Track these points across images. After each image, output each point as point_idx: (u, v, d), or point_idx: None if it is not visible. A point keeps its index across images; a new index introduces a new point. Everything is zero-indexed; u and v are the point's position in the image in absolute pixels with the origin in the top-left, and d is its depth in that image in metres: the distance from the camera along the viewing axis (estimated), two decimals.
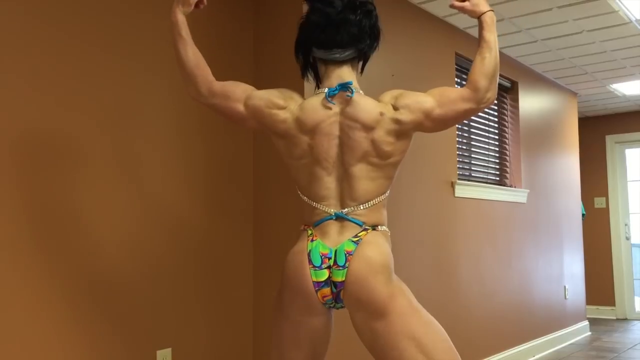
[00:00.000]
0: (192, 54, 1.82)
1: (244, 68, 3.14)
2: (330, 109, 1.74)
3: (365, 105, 1.75)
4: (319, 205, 1.76)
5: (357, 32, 1.77)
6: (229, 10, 3.07)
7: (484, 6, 1.82)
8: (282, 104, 1.79)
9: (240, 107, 1.82)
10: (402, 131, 1.76)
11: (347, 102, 1.75)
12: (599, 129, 7.45)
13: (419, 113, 1.75)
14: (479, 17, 1.82)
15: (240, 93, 1.83)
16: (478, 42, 1.83)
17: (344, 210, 1.74)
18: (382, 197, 1.78)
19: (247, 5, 3.19)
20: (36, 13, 2.30)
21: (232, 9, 3.10)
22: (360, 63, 1.88)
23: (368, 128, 1.73)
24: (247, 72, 3.15)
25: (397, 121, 1.74)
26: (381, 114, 1.73)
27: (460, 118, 1.81)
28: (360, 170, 1.74)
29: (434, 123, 1.78)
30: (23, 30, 2.26)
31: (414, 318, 1.66)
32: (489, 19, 1.81)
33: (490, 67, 1.77)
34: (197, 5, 1.85)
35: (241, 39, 3.14)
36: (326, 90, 1.76)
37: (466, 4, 1.84)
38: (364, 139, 1.73)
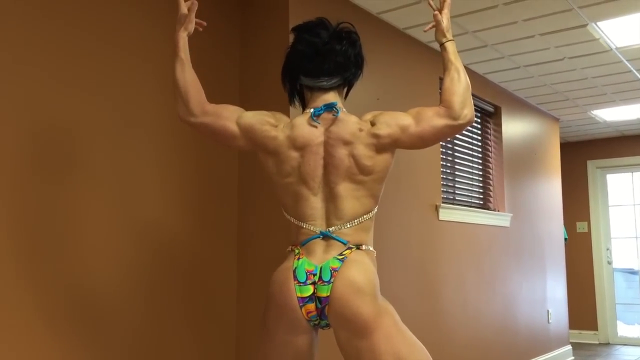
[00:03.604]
0: (189, 74, 1.85)
1: (229, 94, 3.15)
2: (315, 127, 1.80)
3: (347, 123, 1.80)
4: (305, 224, 1.79)
5: (343, 61, 1.85)
6: (214, 37, 3.09)
7: (450, 33, 1.92)
8: (274, 122, 1.84)
9: (232, 125, 1.84)
10: (381, 145, 1.79)
11: (332, 121, 1.81)
12: (581, 154, 7.55)
13: (396, 127, 1.79)
14: (443, 43, 1.91)
15: (231, 112, 1.87)
16: (444, 65, 1.89)
17: (329, 229, 1.77)
18: (368, 216, 1.81)
19: (233, 32, 3.21)
20: (25, 24, 2.30)
21: (218, 36, 3.12)
22: (345, 90, 1.96)
23: (347, 143, 1.78)
24: (232, 98, 3.16)
25: (375, 135, 1.79)
26: (360, 129, 1.79)
27: (440, 135, 1.83)
28: (345, 189, 1.77)
29: (411, 139, 1.81)
30: (20, 40, 2.26)
31: (398, 338, 1.67)
32: (453, 46, 1.91)
33: (461, 85, 1.83)
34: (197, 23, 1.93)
35: (227, 66, 3.16)
36: (312, 110, 1.82)
37: (444, 18, 1.91)
38: (345, 156, 1.77)
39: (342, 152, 1.77)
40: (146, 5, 2.76)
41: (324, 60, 1.83)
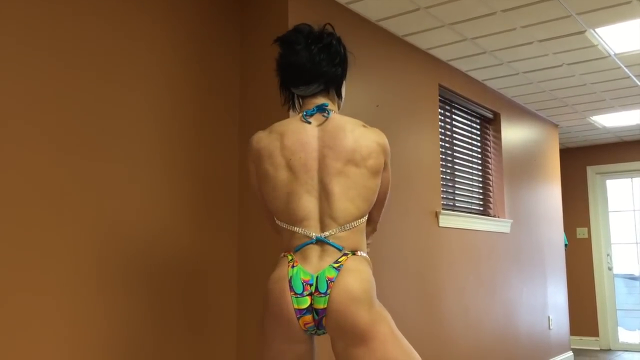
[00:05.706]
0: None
1: (230, 98, 3.15)
2: (308, 124, 1.85)
3: (345, 118, 1.87)
4: (298, 229, 1.77)
5: (317, 68, 1.90)
6: (215, 45, 3.10)
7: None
8: (256, 146, 1.91)
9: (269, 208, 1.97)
10: (374, 149, 1.83)
11: (325, 120, 1.86)
12: (580, 160, 7.56)
13: (383, 157, 1.87)
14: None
15: (265, 205, 2.00)
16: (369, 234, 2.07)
17: (324, 234, 1.75)
18: (360, 221, 1.81)
19: (233, 41, 3.22)
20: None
21: (218, 44, 3.13)
22: (335, 90, 1.99)
23: (351, 130, 1.82)
24: (232, 100, 3.16)
25: (372, 143, 1.83)
26: (363, 126, 1.85)
27: (375, 207, 1.98)
28: (339, 186, 1.77)
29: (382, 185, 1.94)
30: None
31: (395, 345, 1.68)
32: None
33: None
34: None
35: (227, 75, 3.17)
36: (303, 112, 1.89)
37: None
38: (352, 140, 1.79)
39: (347, 138, 1.79)
40: (144, 30, 2.77)
41: (297, 70, 1.89)
